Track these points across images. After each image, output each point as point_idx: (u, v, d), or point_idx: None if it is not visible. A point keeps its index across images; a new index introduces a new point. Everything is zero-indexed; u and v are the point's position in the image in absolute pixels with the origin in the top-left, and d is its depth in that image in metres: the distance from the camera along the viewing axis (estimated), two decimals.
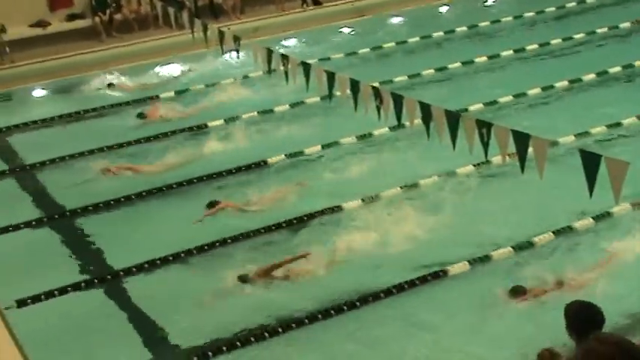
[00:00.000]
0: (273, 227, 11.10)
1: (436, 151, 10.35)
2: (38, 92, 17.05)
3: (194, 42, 14.28)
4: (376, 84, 10.33)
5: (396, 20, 20.21)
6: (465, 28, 19.06)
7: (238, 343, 8.81)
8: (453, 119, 8.56)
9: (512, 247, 10.20)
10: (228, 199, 11.80)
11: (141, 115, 15.25)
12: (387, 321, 9.20)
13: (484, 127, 8.15)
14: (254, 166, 12.94)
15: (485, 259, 10.06)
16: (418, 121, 9.13)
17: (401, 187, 11.89)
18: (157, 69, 17.77)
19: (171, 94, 16.36)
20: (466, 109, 13.88)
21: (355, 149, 13.42)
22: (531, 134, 7.61)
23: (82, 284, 10.03)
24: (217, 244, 10.76)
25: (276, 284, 9.87)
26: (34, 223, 11.57)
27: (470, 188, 11.85)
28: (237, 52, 12.87)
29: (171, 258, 10.50)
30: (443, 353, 8.59)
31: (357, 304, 9.37)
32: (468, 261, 9.98)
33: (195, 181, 12.57)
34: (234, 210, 11.64)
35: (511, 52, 17.21)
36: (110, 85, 16.93)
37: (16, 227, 11.43)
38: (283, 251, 10.50)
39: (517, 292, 9.17)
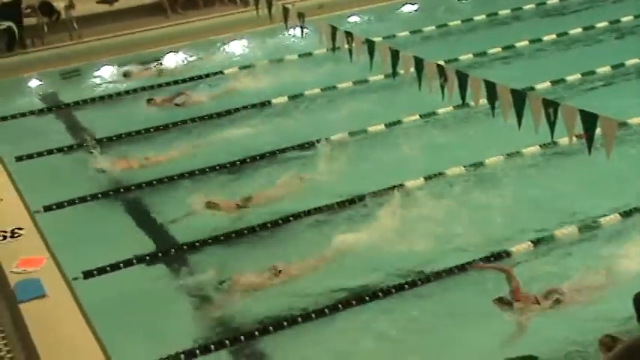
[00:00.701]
0: (337, 205, 11.11)
1: (501, 131, 10.22)
2: (105, 68, 17.29)
3: (258, 19, 14.33)
4: (441, 62, 10.23)
5: None
6: (532, 6, 18.76)
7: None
8: (519, 98, 8.45)
9: (579, 229, 10.07)
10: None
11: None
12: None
13: (551, 106, 8.02)
14: (316, 144, 12.94)
15: (550, 239, 9.93)
16: (483, 100, 9.03)
17: (464, 167, 11.79)
18: (221, 46, 17.86)
19: (235, 69, 16.45)
20: (532, 88, 13.68)
21: (419, 128, 13.34)
22: (599, 114, 7.47)
23: (147, 257, 10.16)
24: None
25: None
26: (99, 195, 11.76)
27: (535, 168, 11.71)
28: (302, 29, 12.87)
29: (234, 235, 10.56)
30: None
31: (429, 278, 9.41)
32: (532, 241, 9.89)
33: (258, 158, 12.62)
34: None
35: (580, 30, 16.90)
36: (125, 75, 16.84)
37: (83, 199, 11.62)
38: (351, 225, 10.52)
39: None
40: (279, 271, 9.52)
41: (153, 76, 16.54)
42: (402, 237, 10.22)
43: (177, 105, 14.86)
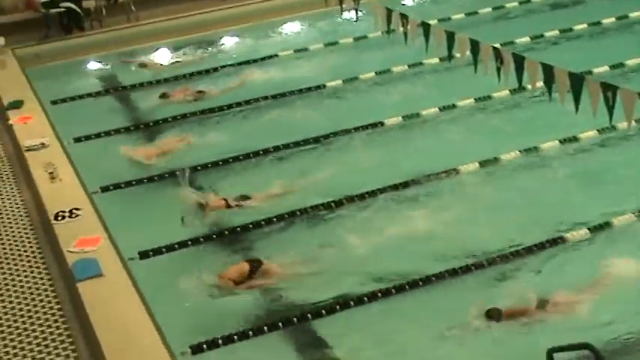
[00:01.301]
0: (400, 186, 11.09)
1: (558, 115, 10.09)
2: (162, 51, 17.45)
3: (313, 2, 14.31)
4: (497, 45, 10.12)
5: None
6: None
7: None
8: (577, 82, 8.33)
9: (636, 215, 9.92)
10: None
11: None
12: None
13: (609, 90, 7.89)
14: (370, 127, 12.91)
15: (606, 225, 9.81)
16: (539, 83, 8.92)
17: (520, 152, 11.67)
18: (276, 29, 17.89)
19: (290, 52, 16.48)
20: (591, 72, 13.47)
21: (473, 112, 13.23)
22: None
23: (201, 239, 10.25)
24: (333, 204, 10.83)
25: None
26: (156, 178, 11.87)
27: (592, 154, 11.55)
28: (357, 11, 12.82)
29: (286, 215, 10.60)
30: None
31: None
32: (589, 228, 9.77)
33: (311, 140, 12.64)
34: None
35: (639, 13, 16.56)
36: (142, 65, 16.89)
37: (139, 181, 11.75)
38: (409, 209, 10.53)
39: None
40: None
41: (205, 59, 16.63)
42: (459, 222, 10.18)
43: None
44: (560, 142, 11.82)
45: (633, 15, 16.46)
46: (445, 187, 11.03)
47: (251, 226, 10.47)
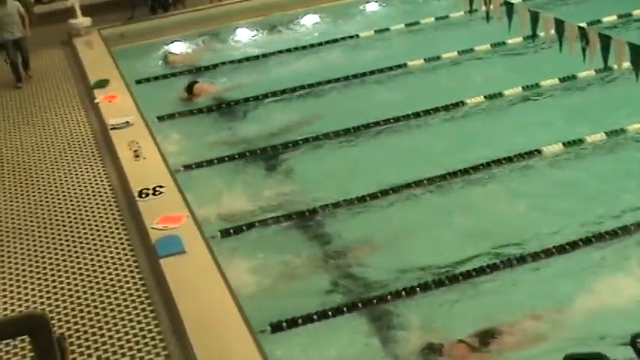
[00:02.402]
0: (481, 166, 11.03)
1: None
2: (244, 30, 17.58)
3: None
4: (583, 24, 9.90)
5: None
6: None
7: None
8: None
9: None
10: None
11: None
12: None
13: None
14: (451, 107, 12.80)
15: None
16: (627, 64, 8.71)
17: (606, 134, 11.43)
18: (356, 9, 17.83)
19: (371, 32, 16.43)
20: None
21: (558, 92, 13.00)
22: None
23: (282, 218, 10.30)
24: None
25: None
26: (237, 156, 11.98)
27: None
28: None
29: (368, 197, 10.61)
30: None
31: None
32: None
33: (392, 121, 12.60)
34: None
35: None
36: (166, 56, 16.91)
37: (221, 160, 11.91)
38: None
39: None
40: None
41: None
42: (545, 204, 10.08)
43: None
44: None
45: None
46: (528, 167, 10.89)
47: None
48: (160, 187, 10.35)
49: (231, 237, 9.96)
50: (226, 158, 11.98)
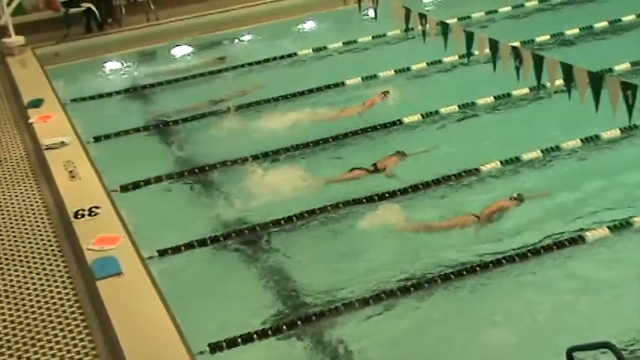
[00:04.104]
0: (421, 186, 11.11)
1: (578, 114, 10.02)
2: (181, 49, 17.51)
3: (332, 0, 14.34)
4: (516, 44, 10.08)
5: None
6: None
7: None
8: (596, 80, 8.28)
9: None
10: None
11: None
12: None
13: (629, 88, 7.85)
14: (389, 125, 12.89)
15: (627, 224, 9.74)
16: (559, 82, 8.88)
17: (541, 151, 11.62)
18: (294, 27, 17.90)
19: (309, 51, 16.50)
20: (611, 70, 13.39)
21: (493, 110, 13.19)
22: None
23: (221, 237, 10.28)
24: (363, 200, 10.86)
25: None
26: (175, 176, 11.95)
27: (613, 153, 11.50)
28: (375, 10, 12.81)
29: (307, 214, 10.60)
30: None
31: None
32: (608, 227, 9.72)
33: (321, 142, 12.63)
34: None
35: None
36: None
37: (158, 179, 11.82)
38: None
39: None
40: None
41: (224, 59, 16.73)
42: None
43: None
44: (580, 140, 11.75)
45: None
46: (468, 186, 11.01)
47: None
48: (96, 207, 10.21)
49: (170, 257, 9.85)
50: (164, 178, 11.87)
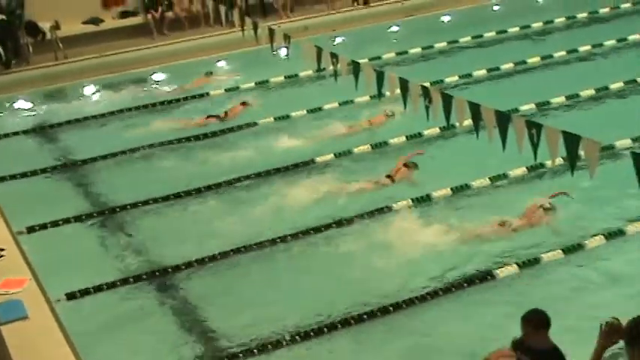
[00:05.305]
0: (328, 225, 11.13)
1: (486, 152, 10.21)
2: (90, 88, 17.28)
3: (244, 40, 14.37)
4: (426, 83, 10.25)
5: (446, 19, 20.11)
6: (517, 29, 18.91)
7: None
8: (503, 120, 8.47)
9: (563, 250, 10.09)
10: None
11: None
12: None
13: (534, 127, 8.04)
14: (302, 165, 12.93)
15: (535, 261, 9.96)
16: (468, 121, 9.05)
17: (452, 189, 11.79)
18: (207, 67, 17.86)
19: (221, 91, 16.47)
20: (517, 110, 13.74)
21: (404, 151, 13.33)
22: (582, 136, 7.50)
23: (131, 279, 10.10)
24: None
25: None
26: (83, 217, 11.71)
27: (520, 190, 11.75)
28: (287, 50, 12.89)
29: (219, 256, 10.52)
30: None
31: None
32: (517, 263, 9.90)
33: (241, 179, 12.62)
34: None
35: (564, 52, 17.03)
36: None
37: (67, 221, 11.57)
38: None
39: None
40: None
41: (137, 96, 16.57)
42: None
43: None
44: (488, 178, 11.99)
45: (557, 55, 16.93)
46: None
47: None
48: (1, 249, 9.93)
49: (78, 300, 9.63)
50: (72, 219, 11.62)
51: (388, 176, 12.11)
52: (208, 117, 15.02)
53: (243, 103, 15.38)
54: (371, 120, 14.32)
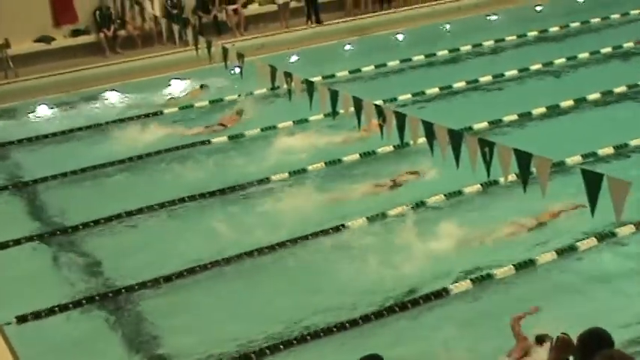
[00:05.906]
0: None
1: (442, 170, 10.29)
2: (42, 107, 17.07)
3: (198, 58, 14.32)
4: (380, 102, 10.30)
5: (400, 38, 20.25)
6: (469, 47, 19.10)
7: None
8: (456, 138, 8.54)
9: (514, 266, 10.17)
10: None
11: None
12: None
13: (486, 145, 8.13)
14: (257, 183, 12.87)
15: (488, 277, 10.02)
16: (421, 139, 9.11)
17: (407, 206, 11.81)
18: (160, 85, 17.77)
19: (175, 109, 16.39)
20: (470, 128, 13.86)
21: (359, 168, 13.35)
22: (534, 153, 7.59)
23: (83, 301, 9.95)
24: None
25: None
26: (35, 238, 11.54)
27: (475, 207, 11.83)
28: (241, 69, 12.87)
29: (174, 277, 10.43)
30: None
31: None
32: (471, 280, 9.96)
33: (197, 197, 12.54)
34: None
35: (515, 71, 17.22)
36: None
37: (17, 242, 11.39)
38: None
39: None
40: None
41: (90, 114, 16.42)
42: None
43: None
44: (444, 195, 12.04)
45: (509, 73, 17.11)
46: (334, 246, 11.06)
47: None
48: None
49: (29, 323, 9.47)
50: (23, 240, 11.45)
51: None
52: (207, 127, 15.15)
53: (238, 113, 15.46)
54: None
